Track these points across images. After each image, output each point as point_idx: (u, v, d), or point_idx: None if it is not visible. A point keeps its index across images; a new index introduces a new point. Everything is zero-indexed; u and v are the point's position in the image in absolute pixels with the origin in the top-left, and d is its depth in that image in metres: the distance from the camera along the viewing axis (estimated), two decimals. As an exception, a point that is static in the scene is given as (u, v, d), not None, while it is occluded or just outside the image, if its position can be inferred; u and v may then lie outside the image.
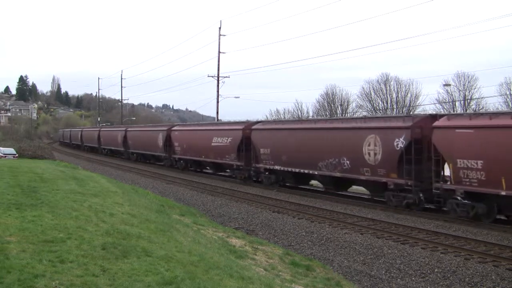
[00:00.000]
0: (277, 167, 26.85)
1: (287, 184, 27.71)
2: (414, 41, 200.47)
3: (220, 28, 49.46)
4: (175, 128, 41.75)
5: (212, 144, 33.00)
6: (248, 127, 30.11)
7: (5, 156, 44.06)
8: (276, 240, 15.63)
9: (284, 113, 71.06)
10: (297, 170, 25.29)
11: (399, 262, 12.71)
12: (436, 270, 11.96)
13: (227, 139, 31.72)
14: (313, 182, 27.93)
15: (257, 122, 31.18)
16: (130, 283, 6.39)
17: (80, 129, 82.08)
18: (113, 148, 58.52)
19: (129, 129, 53.86)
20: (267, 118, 65.70)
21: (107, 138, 61.16)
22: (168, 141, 40.84)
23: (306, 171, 24.56)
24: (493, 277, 11.31)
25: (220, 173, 35.53)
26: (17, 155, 46.68)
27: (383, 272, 12.17)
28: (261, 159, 28.29)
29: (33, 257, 7.11)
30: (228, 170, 33.49)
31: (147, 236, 9.48)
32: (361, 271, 12.31)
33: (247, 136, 29.73)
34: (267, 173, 28.25)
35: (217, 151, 32.67)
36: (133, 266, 7.15)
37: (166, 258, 7.91)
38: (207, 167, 37.62)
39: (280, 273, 10.43)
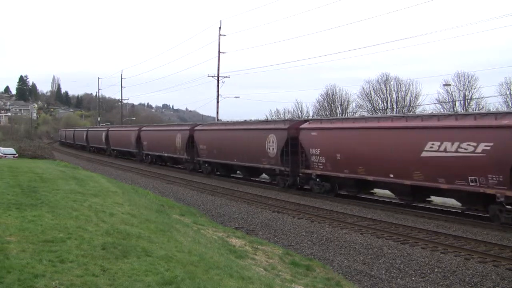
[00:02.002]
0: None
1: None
2: (414, 41, 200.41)
3: (220, 28, 49.52)
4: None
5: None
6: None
7: (5, 156, 44.10)
8: (276, 240, 15.63)
9: (284, 113, 71.09)
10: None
11: (399, 262, 12.71)
12: (436, 270, 11.96)
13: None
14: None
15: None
16: (130, 283, 6.39)
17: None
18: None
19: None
20: (267, 118, 65.71)
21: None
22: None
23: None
24: (493, 277, 11.31)
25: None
26: (17, 155, 46.73)
27: (383, 272, 12.17)
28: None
29: (33, 257, 7.11)
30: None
31: (147, 236, 9.48)
32: (361, 271, 12.31)
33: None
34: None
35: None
36: (133, 266, 7.15)
37: (166, 258, 7.91)
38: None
39: (280, 273, 10.43)
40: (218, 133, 33.93)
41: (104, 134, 61.69)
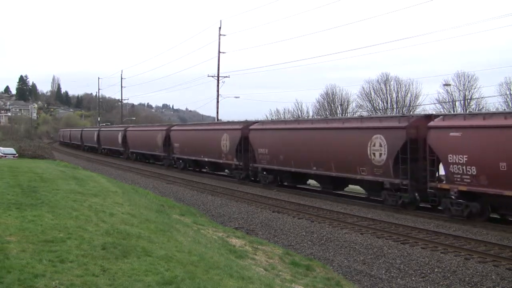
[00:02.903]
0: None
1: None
2: (414, 41, 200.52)
3: (220, 28, 49.55)
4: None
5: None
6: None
7: (5, 156, 44.10)
8: (276, 240, 15.63)
9: (284, 113, 71.10)
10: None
11: (399, 262, 12.71)
12: (436, 270, 11.96)
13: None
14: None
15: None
16: (130, 283, 6.39)
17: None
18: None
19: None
20: (267, 118, 65.77)
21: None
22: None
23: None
24: (493, 277, 11.31)
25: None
26: (17, 155, 46.72)
27: (383, 272, 12.17)
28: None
29: (33, 257, 7.11)
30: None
31: (147, 236, 9.48)
32: (361, 271, 12.31)
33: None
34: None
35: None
36: (133, 266, 7.16)
37: (166, 258, 7.91)
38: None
39: (280, 273, 10.43)
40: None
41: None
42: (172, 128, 42.28)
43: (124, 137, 53.23)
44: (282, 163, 26.20)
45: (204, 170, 38.65)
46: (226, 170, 34.26)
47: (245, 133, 29.64)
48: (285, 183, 27.94)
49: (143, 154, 49.29)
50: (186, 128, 41.40)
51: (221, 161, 32.47)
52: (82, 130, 79.70)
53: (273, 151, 26.91)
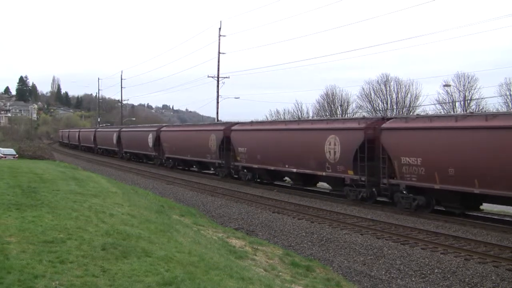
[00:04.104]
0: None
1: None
2: (414, 41, 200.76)
3: (220, 28, 49.57)
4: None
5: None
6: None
7: (5, 157, 44.11)
8: (276, 241, 15.63)
9: (284, 113, 71.09)
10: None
11: (399, 263, 12.71)
12: (436, 271, 11.96)
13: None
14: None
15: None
16: (130, 284, 6.39)
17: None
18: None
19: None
20: (267, 118, 65.80)
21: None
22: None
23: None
24: (493, 277, 11.31)
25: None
26: (17, 155, 46.74)
27: (383, 272, 12.17)
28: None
29: (33, 257, 7.12)
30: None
31: (147, 237, 9.48)
32: (361, 271, 12.31)
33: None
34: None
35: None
36: (133, 267, 7.16)
37: (166, 259, 7.91)
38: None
39: (280, 273, 10.44)
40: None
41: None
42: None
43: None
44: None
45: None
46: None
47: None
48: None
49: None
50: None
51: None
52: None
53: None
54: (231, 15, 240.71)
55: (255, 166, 28.79)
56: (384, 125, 20.22)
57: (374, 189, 21.01)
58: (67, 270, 6.70)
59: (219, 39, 49.43)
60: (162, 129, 44.23)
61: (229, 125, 32.81)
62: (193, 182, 31.68)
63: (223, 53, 50.24)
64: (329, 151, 22.51)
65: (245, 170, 30.39)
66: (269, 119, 64.22)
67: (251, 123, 32.30)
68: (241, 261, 10.64)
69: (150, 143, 44.83)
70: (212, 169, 36.27)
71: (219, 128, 33.51)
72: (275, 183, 29.32)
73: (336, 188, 23.63)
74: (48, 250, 7.53)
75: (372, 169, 20.67)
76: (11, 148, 51.03)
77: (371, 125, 21.08)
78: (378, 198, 21.41)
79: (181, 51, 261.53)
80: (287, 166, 25.98)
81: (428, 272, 11.94)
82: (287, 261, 11.76)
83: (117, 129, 58.23)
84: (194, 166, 39.95)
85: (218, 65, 49.76)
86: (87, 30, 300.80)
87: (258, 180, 30.02)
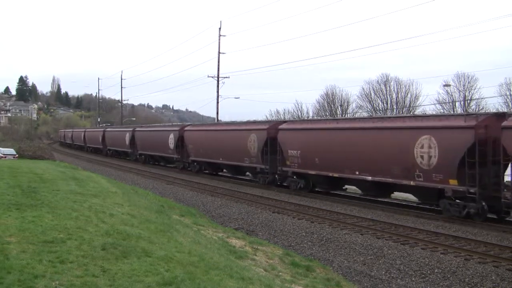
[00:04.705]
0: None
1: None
2: (415, 41, 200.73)
3: (220, 28, 49.60)
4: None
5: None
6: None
7: (5, 157, 44.12)
8: (276, 241, 15.63)
9: (284, 113, 71.15)
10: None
11: (399, 263, 12.71)
12: (436, 271, 11.96)
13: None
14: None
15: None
16: (130, 284, 6.39)
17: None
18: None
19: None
20: (266, 118, 65.77)
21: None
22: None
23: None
24: (493, 277, 11.31)
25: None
26: (17, 155, 46.74)
27: (383, 272, 12.17)
28: None
29: (33, 257, 7.12)
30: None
31: (147, 237, 9.48)
32: (361, 271, 12.31)
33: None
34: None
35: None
36: (133, 267, 7.16)
37: (166, 259, 7.91)
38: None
39: (280, 273, 10.44)
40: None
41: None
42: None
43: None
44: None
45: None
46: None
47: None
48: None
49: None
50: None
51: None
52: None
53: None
54: (231, 15, 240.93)
55: (312, 172, 23.94)
56: (505, 123, 15.99)
57: (484, 204, 16.73)
58: (67, 270, 6.70)
59: (219, 39, 49.51)
60: (187, 128, 39.14)
61: (274, 124, 28.23)
62: (194, 182, 31.67)
63: (223, 53, 50.37)
64: (422, 155, 18.05)
65: (295, 177, 25.60)
66: (269, 119, 63.99)
67: (304, 121, 28.18)
68: (241, 261, 10.64)
69: (171, 145, 40.17)
70: (248, 174, 31.84)
71: (262, 127, 28.43)
72: (332, 192, 25.01)
73: (427, 200, 19.42)
74: (48, 250, 7.53)
75: (483, 177, 16.59)
76: (11, 148, 51.05)
77: (482, 123, 16.76)
78: (489, 215, 17.29)
79: (181, 51, 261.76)
80: (357, 173, 21.14)
81: (428, 272, 11.94)
82: (287, 261, 11.76)
83: (131, 129, 53.37)
84: (225, 171, 35.51)
85: (218, 65, 49.83)
86: (87, 30, 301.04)
87: (315, 189, 25.27)
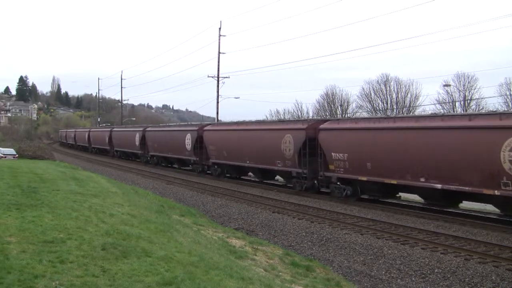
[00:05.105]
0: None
1: None
2: (415, 41, 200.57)
3: (220, 28, 49.60)
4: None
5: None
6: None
7: (5, 157, 44.11)
8: (276, 241, 15.64)
9: (284, 113, 71.16)
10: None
11: (399, 263, 12.72)
12: (436, 271, 11.96)
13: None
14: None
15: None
16: (130, 284, 6.39)
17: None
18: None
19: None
20: (266, 118, 65.79)
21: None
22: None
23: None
24: (493, 277, 11.32)
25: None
26: (17, 155, 46.73)
27: (383, 272, 12.17)
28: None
29: (33, 257, 7.12)
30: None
31: (147, 237, 9.49)
32: (361, 271, 12.32)
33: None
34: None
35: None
36: (133, 267, 7.16)
37: (166, 259, 7.91)
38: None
39: (280, 273, 10.44)
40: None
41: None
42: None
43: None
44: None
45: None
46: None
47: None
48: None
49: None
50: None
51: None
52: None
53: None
54: (231, 15, 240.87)
55: (363, 178, 21.12)
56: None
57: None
58: (67, 270, 6.70)
59: (219, 39, 49.51)
60: (207, 128, 35.82)
61: (314, 123, 25.09)
62: (194, 182, 31.68)
63: (223, 53, 50.35)
64: (511, 160, 15.23)
65: (338, 183, 22.67)
66: (269, 119, 63.88)
67: (350, 119, 24.40)
68: (241, 261, 10.64)
69: (188, 146, 37.11)
70: (278, 179, 29.71)
71: (299, 127, 25.48)
72: (383, 200, 22.30)
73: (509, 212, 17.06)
74: (48, 250, 7.53)
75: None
76: (11, 148, 51.00)
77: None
78: None
79: (181, 51, 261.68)
80: (422, 179, 18.33)
81: (428, 272, 11.95)
82: (287, 261, 11.76)
83: (141, 129, 50.06)
84: (251, 175, 32.74)
85: (218, 65, 49.83)
86: (87, 30, 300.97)
87: (366, 197, 22.67)
